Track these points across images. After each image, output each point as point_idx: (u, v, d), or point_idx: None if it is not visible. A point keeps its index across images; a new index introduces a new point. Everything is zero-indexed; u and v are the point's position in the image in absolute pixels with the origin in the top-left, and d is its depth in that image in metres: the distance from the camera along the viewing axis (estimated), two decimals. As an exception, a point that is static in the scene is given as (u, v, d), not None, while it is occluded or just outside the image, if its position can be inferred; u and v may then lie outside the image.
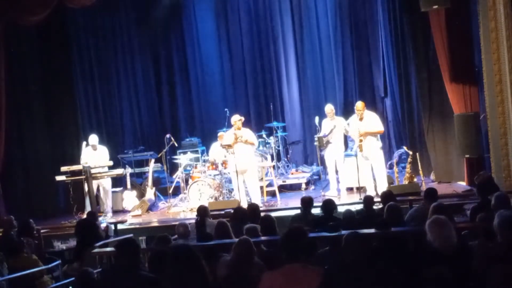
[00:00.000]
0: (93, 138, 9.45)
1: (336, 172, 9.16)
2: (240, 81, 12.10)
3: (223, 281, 4.02)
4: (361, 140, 8.36)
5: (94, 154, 9.37)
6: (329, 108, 9.10)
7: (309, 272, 3.63)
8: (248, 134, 8.84)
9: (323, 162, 9.61)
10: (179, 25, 12.10)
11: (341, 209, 6.76)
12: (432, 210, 4.99)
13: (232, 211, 6.81)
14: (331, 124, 8.97)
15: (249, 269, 4.15)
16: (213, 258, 4.52)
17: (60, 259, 6.29)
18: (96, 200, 9.33)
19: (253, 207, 6.63)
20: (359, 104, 8.60)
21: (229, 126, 9.83)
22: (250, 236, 5.09)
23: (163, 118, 12.23)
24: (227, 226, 5.46)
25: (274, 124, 10.91)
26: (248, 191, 8.91)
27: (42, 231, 7.47)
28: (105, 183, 9.46)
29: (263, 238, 5.22)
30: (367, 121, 8.52)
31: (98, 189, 9.51)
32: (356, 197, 8.51)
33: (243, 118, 8.85)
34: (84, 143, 9.53)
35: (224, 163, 9.56)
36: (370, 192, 8.46)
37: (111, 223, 8.10)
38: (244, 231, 5.28)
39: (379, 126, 8.60)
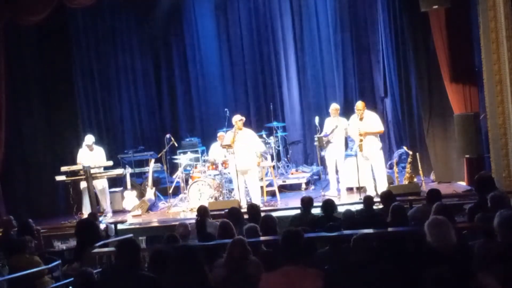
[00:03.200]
0: (89, 138, 9.42)
1: (336, 172, 9.16)
2: (240, 81, 12.10)
3: (221, 282, 4.02)
4: (361, 140, 8.36)
5: (90, 155, 9.36)
6: (333, 106, 9.13)
7: (308, 274, 3.62)
8: (251, 137, 8.84)
9: (323, 162, 9.61)
10: (179, 25, 12.10)
11: (341, 209, 6.76)
12: (434, 210, 4.98)
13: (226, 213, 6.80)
14: (333, 124, 8.97)
15: (246, 268, 4.15)
16: (214, 258, 4.52)
17: (60, 259, 6.29)
18: (96, 200, 9.33)
19: (253, 207, 6.63)
20: (359, 104, 8.61)
21: (229, 126, 9.83)
22: (250, 236, 5.10)
23: (163, 118, 12.22)
24: (230, 226, 5.46)
25: (274, 124, 10.91)
26: (249, 191, 8.93)
27: (42, 231, 7.47)
28: (101, 184, 9.40)
29: (263, 238, 5.22)
30: (367, 121, 8.53)
31: (94, 190, 9.48)
32: (356, 197, 8.51)
33: (243, 118, 8.86)
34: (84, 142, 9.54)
35: (224, 163, 9.56)
36: (370, 192, 8.46)
37: (111, 223, 8.09)
38: (244, 231, 5.27)
39: (379, 126, 8.61)
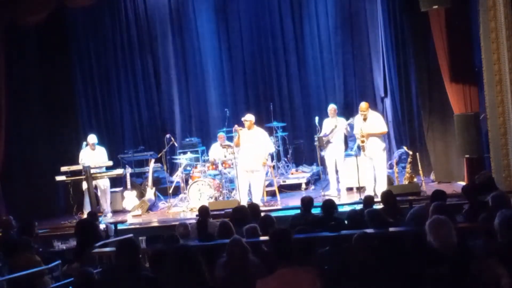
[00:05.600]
0: (92, 138, 9.47)
1: (336, 172, 9.16)
2: (240, 81, 12.09)
3: (221, 282, 4.01)
4: (363, 142, 8.35)
5: (92, 154, 9.37)
6: (331, 107, 9.15)
7: (302, 275, 3.59)
8: (261, 137, 8.83)
9: (323, 162, 9.61)
10: (179, 25, 12.10)
11: (341, 209, 6.75)
12: (432, 210, 4.97)
13: (231, 211, 6.79)
14: (332, 124, 8.97)
15: (246, 269, 4.15)
16: (215, 258, 4.52)
17: (60, 259, 6.28)
18: (96, 199, 9.33)
19: (253, 207, 6.63)
20: (363, 105, 8.58)
21: (229, 126, 9.84)
22: (250, 236, 5.10)
23: (163, 118, 12.22)
24: (230, 226, 5.46)
25: (274, 124, 10.91)
26: (252, 191, 8.92)
27: (42, 231, 7.47)
28: (103, 183, 9.45)
29: (263, 238, 5.21)
30: (371, 122, 8.51)
31: (96, 189, 9.50)
32: (356, 197, 8.51)
33: (247, 119, 8.81)
34: (84, 143, 9.55)
35: (224, 163, 9.57)
36: (370, 192, 8.46)
37: (111, 223, 8.09)
38: (244, 231, 5.27)
39: (382, 127, 8.59)
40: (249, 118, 8.83)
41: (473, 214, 5.23)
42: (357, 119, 8.66)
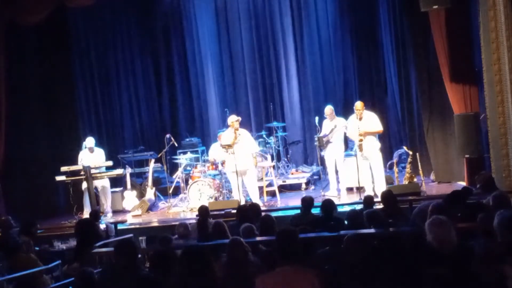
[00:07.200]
0: (90, 141, 9.44)
1: (336, 172, 9.16)
2: (240, 81, 12.08)
3: (221, 282, 4.02)
4: (361, 140, 8.36)
5: (90, 156, 9.37)
6: (328, 109, 9.12)
7: (302, 274, 3.61)
8: (246, 137, 8.85)
9: (323, 162, 9.61)
10: (179, 25, 12.10)
11: (341, 209, 6.74)
12: (430, 209, 4.97)
13: (232, 211, 6.79)
14: (332, 124, 8.97)
15: (246, 268, 4.15)
16: (214, 258, 4.52)
17: (60, 259, 6.29)
18: (96, 200, 9.33)
19: (255, 207, 6.63)
20: (358, 104, 8.59)
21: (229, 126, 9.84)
22: (246, 236, 5.10)
23: (163, 118, 12.22)
24: (223, 226, 5.46)
25: (274, 124, 10.91)
26: (248, 191, 8.93)
27: (42, 231, 7.47)
28: (103, 183, 9.45)
29: (261, 238, 5.22)
30: (367, 121, 8.52)
31: (96, 189, 9.50)
32: (356, 197, 8.51)
33: (240, 118, 8.87)
34: (84, 144, 9.55)
35: (224, 163, 9.56)
36: (369, 192, 8.46)
37: (111, 223, 8.10)
38: (241, 231, 5.28)
39: (378, 126, 8.60)
40: (239, 118, 8.86)
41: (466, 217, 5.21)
42: (351, 120, 8.66)
